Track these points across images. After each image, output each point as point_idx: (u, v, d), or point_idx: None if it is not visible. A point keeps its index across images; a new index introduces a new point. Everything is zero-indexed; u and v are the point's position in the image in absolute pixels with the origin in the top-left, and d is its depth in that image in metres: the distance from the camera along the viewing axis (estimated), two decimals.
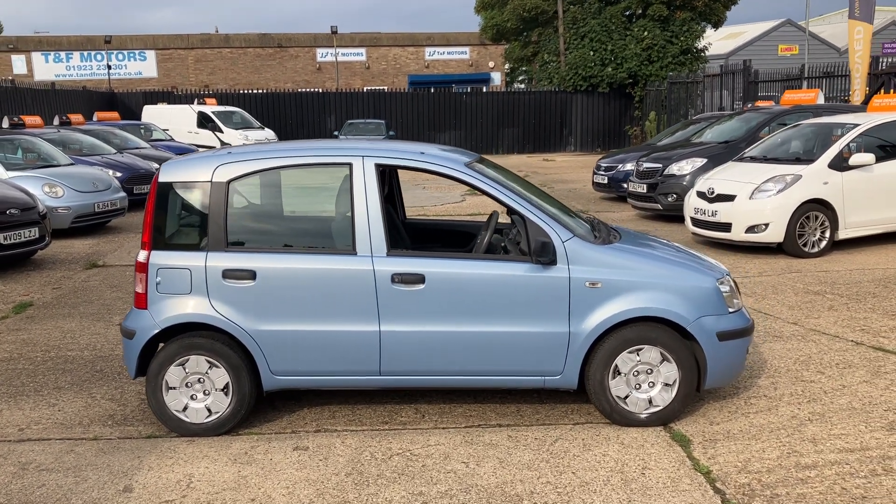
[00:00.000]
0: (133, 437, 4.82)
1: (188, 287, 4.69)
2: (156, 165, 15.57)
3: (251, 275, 4.66)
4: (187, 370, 4.74)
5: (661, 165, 12.89)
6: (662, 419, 4.78)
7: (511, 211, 4.79)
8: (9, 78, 33.57)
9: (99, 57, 40.91)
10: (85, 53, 41.64)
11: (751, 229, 9.67)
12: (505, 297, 4.65)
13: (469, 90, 34.70)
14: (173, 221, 4.80)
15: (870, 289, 7.98)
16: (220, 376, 4.75)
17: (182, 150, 18.94)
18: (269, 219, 4.96)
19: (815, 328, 6.71)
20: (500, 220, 5.49)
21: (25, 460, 4.48)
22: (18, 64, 40.79)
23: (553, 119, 31.99)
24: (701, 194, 10.41)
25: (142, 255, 4.77)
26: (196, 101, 28.20)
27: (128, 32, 42.54)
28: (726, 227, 9.89)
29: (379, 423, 4.96)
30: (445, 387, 4.94)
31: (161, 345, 4.92)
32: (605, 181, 15.62)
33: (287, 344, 4.70)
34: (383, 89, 34.50)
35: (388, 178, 6.02)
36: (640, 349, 4.71)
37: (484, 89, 38.44)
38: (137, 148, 18.12)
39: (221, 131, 26.10)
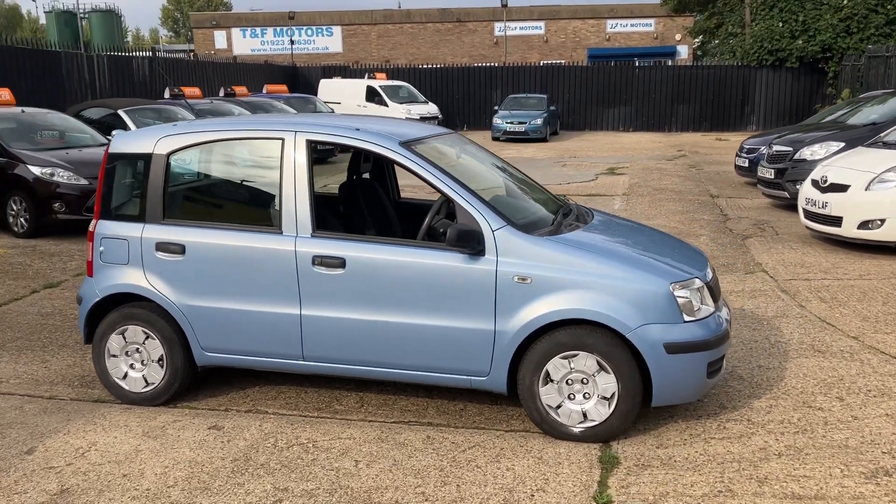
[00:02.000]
0: (83, 400, 4.98)
1: (126, 258, 4.74)
2: None
3: (181, 249, 4.63)
4: (126, 339, 4.82)
5: (791, 149, 11.53)
6: (599, 436, 4.23)
7: (445, 196, 4.41)
8: (210, 52, 36.36)
9: (291, 32, 43.25)
10: (277, 29, 44.25)
11: (864, 225, 8.41)
12: (428, 287, 4.30)
13: (651, 64, 33.11)
14: (119, 192, 4.87)
15: None
16: (156, 348, 4.78)
17: None
18: (206, 193, 4.90)
19: (874, 345, 5.70)
20: None
21: None
22: (220, 39, 44.12)
23: (734, 96, 29.73)
24: (815, 183, 9.19)
25: (91, 224, 4.89)
26: (367, 75, 29.02)
27: (316, 9, 44.19)
28: (837, 221, 8.67)
29: (312, 409, 4.79)
30: (371, 378, 4.67)
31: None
32: (746, 164, 14.20)
33: (215, 321, 4.64)
34: (560, 63, 33.72)
35: (372, 157, 5.75)
36: (575, 355, 4.18)
37: (668, 63, 36.62)
38: None
39: (387, 105, 26.73)
